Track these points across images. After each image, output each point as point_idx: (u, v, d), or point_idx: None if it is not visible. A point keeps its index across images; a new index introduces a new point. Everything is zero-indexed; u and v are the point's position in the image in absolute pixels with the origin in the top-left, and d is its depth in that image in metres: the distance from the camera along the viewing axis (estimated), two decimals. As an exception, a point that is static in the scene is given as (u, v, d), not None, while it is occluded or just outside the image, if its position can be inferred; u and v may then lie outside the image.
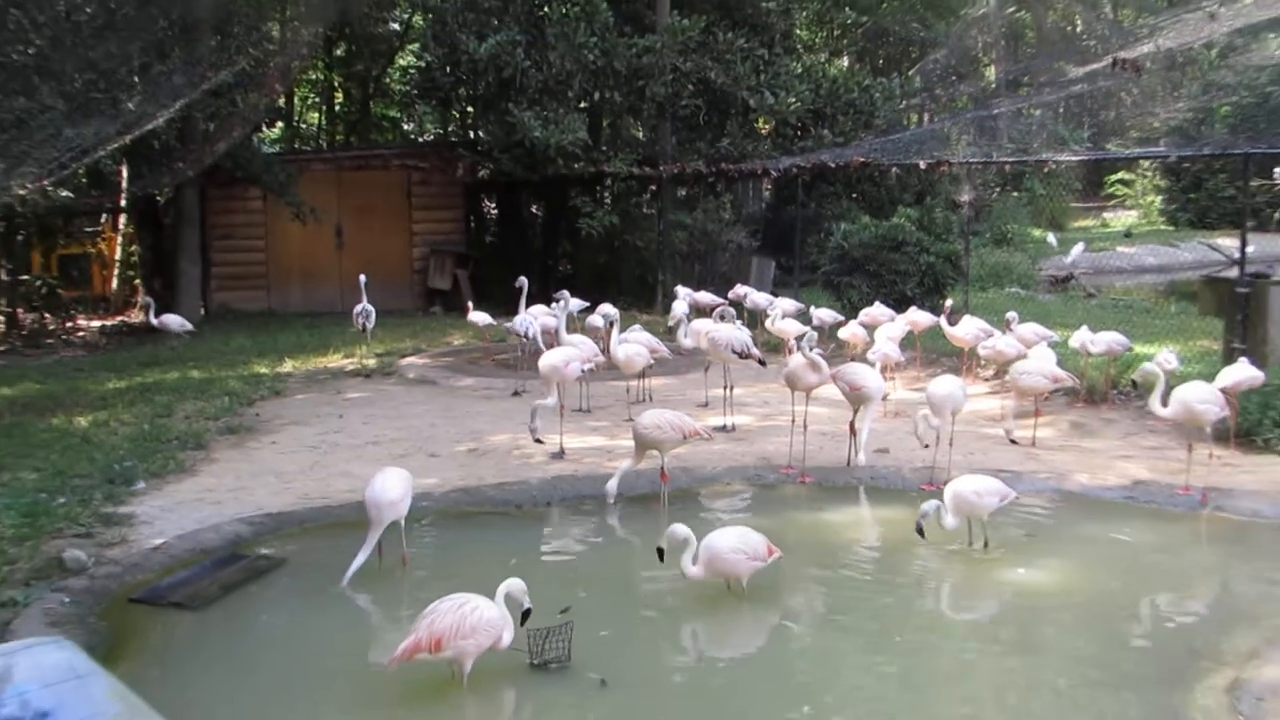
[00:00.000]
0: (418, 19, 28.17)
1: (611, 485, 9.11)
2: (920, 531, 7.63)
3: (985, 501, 7.74)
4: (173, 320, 18.42)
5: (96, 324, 23.24)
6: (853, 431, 10.29)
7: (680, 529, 7.10)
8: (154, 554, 7.93)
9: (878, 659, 6.55)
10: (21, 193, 15.77)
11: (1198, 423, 9.16)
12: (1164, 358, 12.21)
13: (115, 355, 18.84)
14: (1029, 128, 30.21)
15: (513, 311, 15.35)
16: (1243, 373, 10.35)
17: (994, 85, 38.61)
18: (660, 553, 7.17)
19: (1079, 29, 46.28)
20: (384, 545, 7.54)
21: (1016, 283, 23.04)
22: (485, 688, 5.96)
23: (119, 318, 23.86)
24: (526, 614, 6.17)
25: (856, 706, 5.91)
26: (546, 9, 23.30)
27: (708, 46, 22.08)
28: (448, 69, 23.08)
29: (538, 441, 10.45)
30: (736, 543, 7.07)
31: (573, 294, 15.83)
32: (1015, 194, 31.97)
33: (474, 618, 5.79)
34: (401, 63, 34.24)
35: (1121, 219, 37.60)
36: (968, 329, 13.75)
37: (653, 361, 13.05)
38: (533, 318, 14.36)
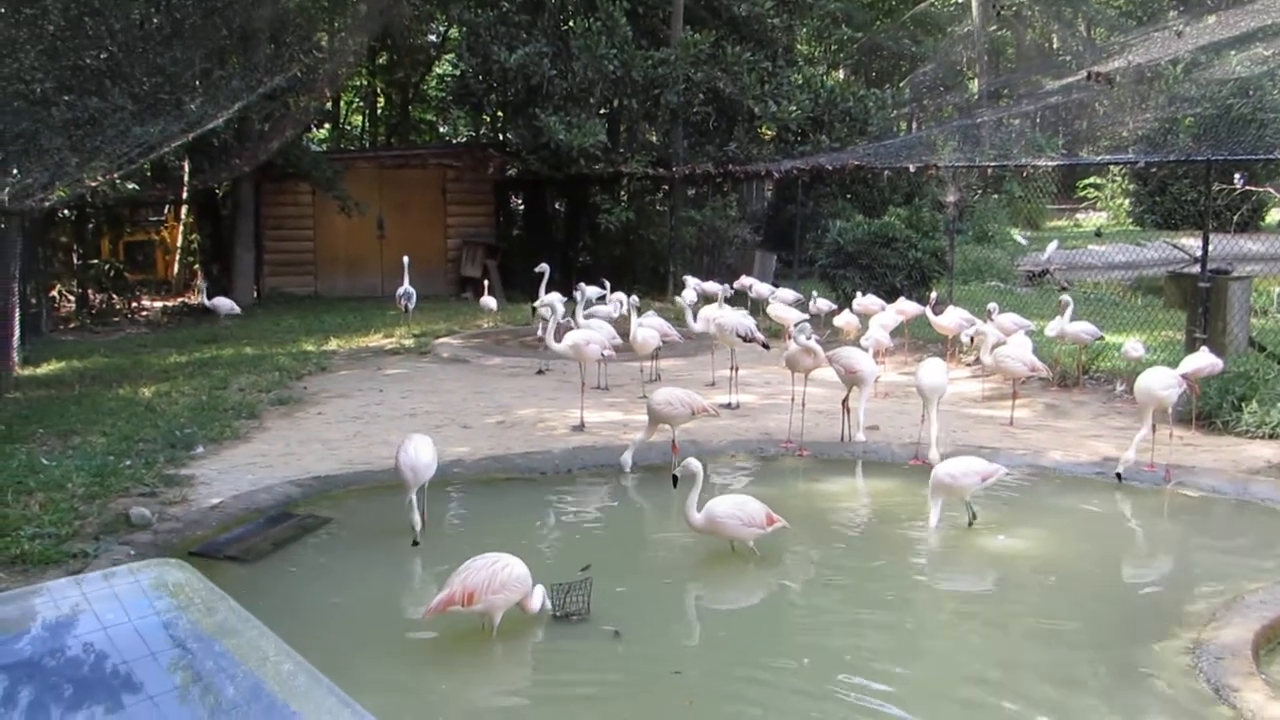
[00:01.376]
0: (454, 31, 28.10)
1: (626, 457, 9.13)
2: None
3: (963, 482, 7.64)
4: (223, 302, 18.47)
5: (159, 304, 23.29)
6: (846, 410, 10.27)
7: (694, 463, 7.16)
8: (211, 512, 7.93)
9: (869, 614, 6.54)
10: (93, 184, 15.79)
11: (1161, 405, 9.11)
12: (1131, 346, 12.21)
13: (176, 333, 18.89)
14: (1009, 135, 30.03)
15: (535, 297, 15.34)
16: (1203, 360, 10.28)
17: (977, 96, 38.39)
18: (674, 480, 7.25)
19: (1056, 45, 46.09)
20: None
21: (997, 277, 22.93)
22: (511, 638, 5.95)
23: (179, 299, 23.91)
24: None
25: (850, 655, 5.88)
26: (571, 24, 23.22)
27: (717, 59, 22.01)
28: (480, 77, 23.07)
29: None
30: (732, 509, 7.06)
31: (592, 283, 15.87)
32: (996, 196, 31.79)
33: (504, 574, 5.78)
34: (438, 70, 34.22)
35: (1093, 219, 37.36)
36: (952, 318, 13.72)
37: (663, 344, 13.03)
38: (554, 306, 14.32)
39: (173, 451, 9.75)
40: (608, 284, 16.44)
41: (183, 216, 25.60)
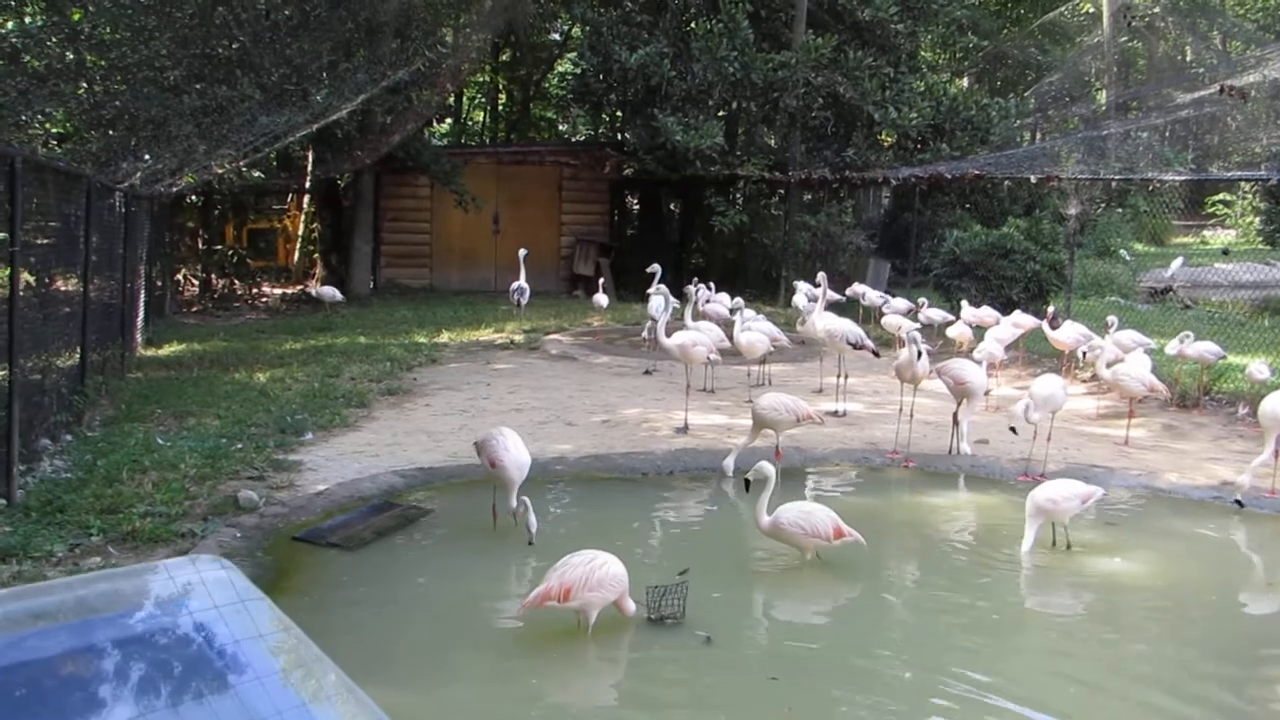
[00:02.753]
0: (576, 30, 28.25)
1: (729, 461, 9.06)
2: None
3: (1063, 506, 7.35)
4: (326, 291, 19.26)
5: (279, 291, 23.78)
6: (955, 422, 10.07)
7: (767, 466, 7.12)
8: (317, 498, 8.04)
9: (971, 632, 6.37)
10: (219, 171, 16.18)
11: (1286, 430, 8.76)
12: (1256, 367, 11.78)
13: (293, 320, 19.25)
14: (1136, 149, 29.30)
15: (647, 298, 15.32)
16: (1334, 386, 9.90)
17: (1104, 108, 37.53)
18: (747, 484, 7.28)
19: (1189, 58, 44.84)
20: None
21: (1117, 292, 22.37)
22: (606, 637, 5.92)
23: (299, 286, 24.39)
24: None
25: (952, 669, 5.70)
26: (693, 25, 23.23)
27: (838, 64, 21.83)
28: (601, 76, 23.16)
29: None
30: (797, 517, 6.99)
31: (703, 284, 15.81)
32: (1120, 210, 31.04)
33: (601, 572, 5.75)
34: (560, 68, 34.44)
35: (1220, 237, 36.32)
36: (1069, 333, 13.37)
37: (773, 349, 12.93)
38: (663, 308, 14.26)
39: (283, 437, 9.92)
40: (713, 286, 16.32)
41: (305, 206, 26.11)
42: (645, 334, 15.35)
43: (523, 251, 17.47)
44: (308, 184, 24.43)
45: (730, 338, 12.64)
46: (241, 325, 18.81)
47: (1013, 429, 9.39)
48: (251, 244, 25.90)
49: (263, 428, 10.20)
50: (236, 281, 23.45)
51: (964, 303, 15.62)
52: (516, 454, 7.50)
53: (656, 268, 15.41)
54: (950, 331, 14.73)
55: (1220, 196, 36.38)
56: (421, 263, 25.19)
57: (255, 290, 23.43)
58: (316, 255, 25.62)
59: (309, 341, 16.20)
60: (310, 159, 23.13)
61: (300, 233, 26.34)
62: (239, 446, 9.43)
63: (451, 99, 29.48)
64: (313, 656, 2.59)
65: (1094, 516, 8.10)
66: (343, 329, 17.49)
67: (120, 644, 2.49)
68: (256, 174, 22.12)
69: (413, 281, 24.70)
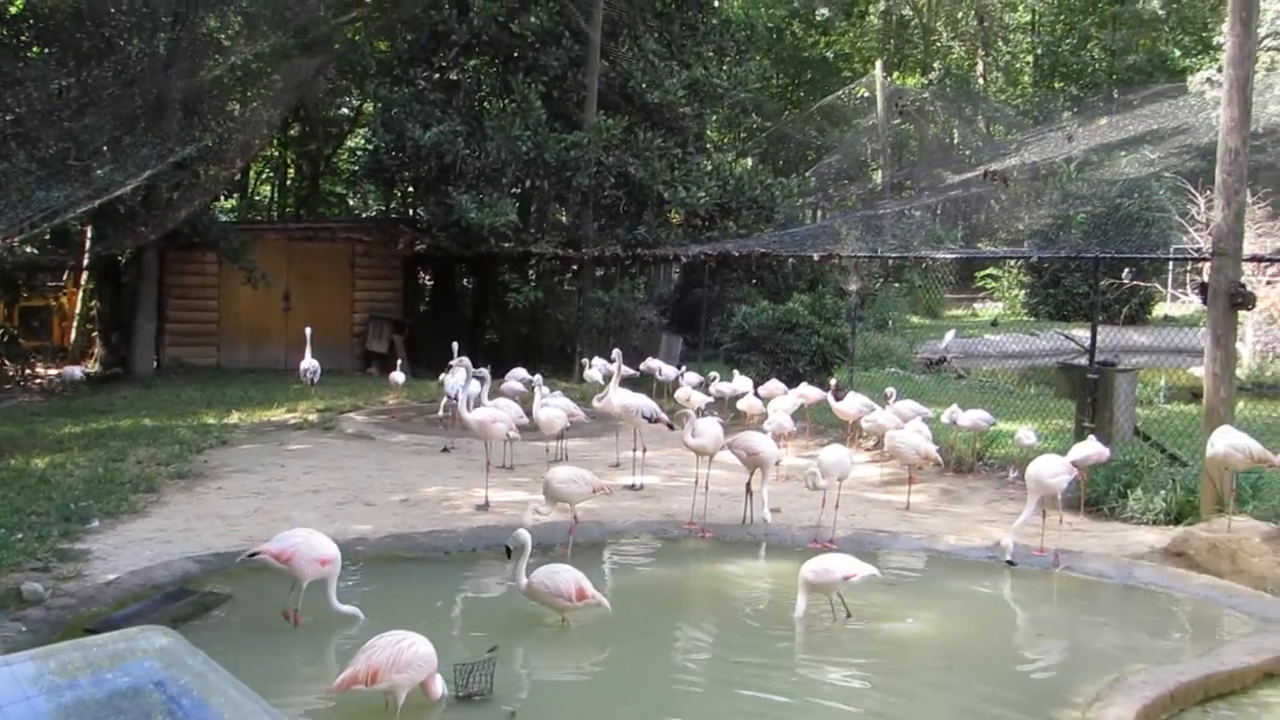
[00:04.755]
0: (368, 106, 28.22)
1: (527, 518, 8.88)
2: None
3: (827, 580, 7.59)
4: (69, 371, 19.75)
5: (54, 372, 22.80)
6: (749, 492, 10.43)
7: (524, 534, 7.41)
8: (108, 588, 7.80)
9: (766, 697, 6.63)
10: (-9, 248, 15.57)
11: (1051, 492, 9.41)
12: (1023, 433, 12.58)
13: (71, 402, 18.47)
14: (910, 226, 30.94)
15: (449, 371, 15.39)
16: (1091, 448, 10.64)
17: (880, 188, 39.48)
18: (508, 550, 7.48)
19: (956, 140, 47.55)
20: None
21: (896, 363, 23.41)
22: (415, 717, 5.95)
23: (79, 366, 23.42)
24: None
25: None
26: (486, 104, 23.55)
27: (629, 144, 22.40)
28: (394, 153, 23.15)
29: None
30: (544, 577, 7.25)
31: (498, 361, 15.96)
32: (896, 285, 32.58)
33: (410, 653, 5.78)
34: (350, 143, 34.27)
35: (989, 309, 38.38)
36: (852, 404, 14.03)
37: (570, 424, 13.13)
38: (462, 383, 14.31)
39: (67, 525, 9.57)
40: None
41: (83, 283, 25.19)
42: (441, 411, 15.38)
43: (308, 331, 17.28)
44: (86, 260, 23.57)
45: (529, 414, 12.81)
46: (14, 408, 17.96)
47: (814, 488, 9.77)
48: (24, 322, 24.75)
49: (44, 516, 9.81)
50: (8, 362, 22.38)
51: (737, 374, 16.30)
52: (324, 548, 7.29)
53: (460, 356, 15.48)
54: (741, 404, 15.23)
55: (988, 271, 38.56)
56: (209, 341, 24.56)
57: (28, 371, 22.42)
58: (95, 334, 24.71)
59: (89, 424, 15.60)
60: (90, 235, 22.38)
61: (78, 311, 25.37)
62: (19, 536, 9.04)
63: (239, 174, 28.96)
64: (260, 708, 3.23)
65: (880, 579, 8.50)
66: (126, 411, 16.91)
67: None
68: (29, 250, 21.26)
69: (200, 360, 24.03)
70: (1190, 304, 29.26)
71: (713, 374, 16.63)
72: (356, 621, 7.11)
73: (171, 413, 16.73)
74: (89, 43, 16.83)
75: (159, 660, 3.16)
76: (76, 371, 19.35)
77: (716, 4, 28.52)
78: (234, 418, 16.45)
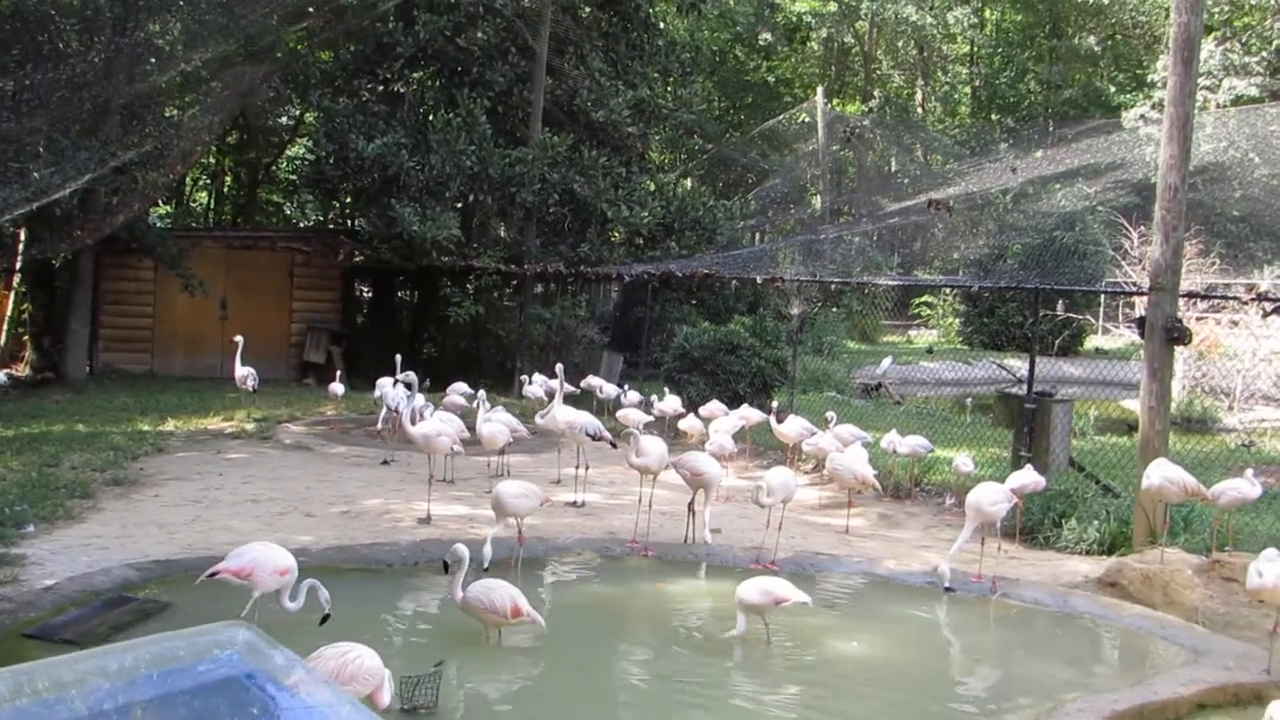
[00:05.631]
0: (310, 115, 28.04)
1: (486, 550, 8.87)
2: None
3: (759, 601, 7.64)
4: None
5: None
6: (691, 512, 10.50)
7: (461, 549, 7.47)
8: (46, 593, 7.71)
9: (710, 711, 6.70)
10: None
11: (989, 519, 9.57)
12: (961, 460, 12.77)
13: (1, 406, 18.18)
14: (849, 252, 31.25)
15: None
16: (1028, 477, 10.83)
17: (820, 213, 39.87)
18: (445, 565, 7.55)
19: (894, 168, 48.16)
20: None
21: (834, 388, 23.65)
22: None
23: (5, 370, 23.04)
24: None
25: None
26: (431, 117, 23.51)
27: (574, 161, 22.46)
28: (336, 163, 23.01)
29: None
30: (479, 592, 7.28)
31: (437, 375, 15.94)
32: (835, 309, 32.89)
33: (355, 665, 5.77)
34: (290, 153, 34.02)
35: (925, 336, 38.91)
36: (793, 426, 14.17)
37: (513, 440, 13.13)
38: (404, 397, 14.26)
39: (1, 530, 9.44)
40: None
41: (15, 285, 24.76)
42: (380, 424, 15.31)
43: (239, 339, 17.17)
44: (19, 263, 23.18)
45: (470, 428, 12.80)
46: (-58, 411, 17.65)
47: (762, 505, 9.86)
48: (-48, 325, 24.33)
49: (-22, 520, 9.69)
50: (-66, 365, 21.98)
51: (668, 393, 16.50)
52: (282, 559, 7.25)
53: (399, 358, 15.46)
54: (682, 424, 15.31)
55: (925, 299, 39.08)
56: (143, 347, 24.24)
57: (-43, 375, 21.98)
58: (27, 338, 24.29)
59: (21, 429, 15.38)
60: (23, 237, 22.02)
61: (9, 314, 24.92)
62: (-47, 541, 8.94)
63: (177, 180, 28.62)
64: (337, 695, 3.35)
65: (810, 606, 8.59)
66: (59, 416, 16.67)
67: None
68: (-42, 251, 20.91)
69: (133, 367, 23.70)
70: (1121, 337, 29.93)
71: (654, 396, 16.74)
72: (319, 597, 6.89)
73: (105, 419, 16.53)
74: (30, 45, 16.60)
75: (246, 653, 3.32)
76: (2, 376, 19.08)
77: (662, 26, 28.66)
78: (169, 425, 16.29)
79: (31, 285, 24.05)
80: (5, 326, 24.84)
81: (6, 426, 15.54)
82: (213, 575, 7.04)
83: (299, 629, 7.24)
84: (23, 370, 23.07)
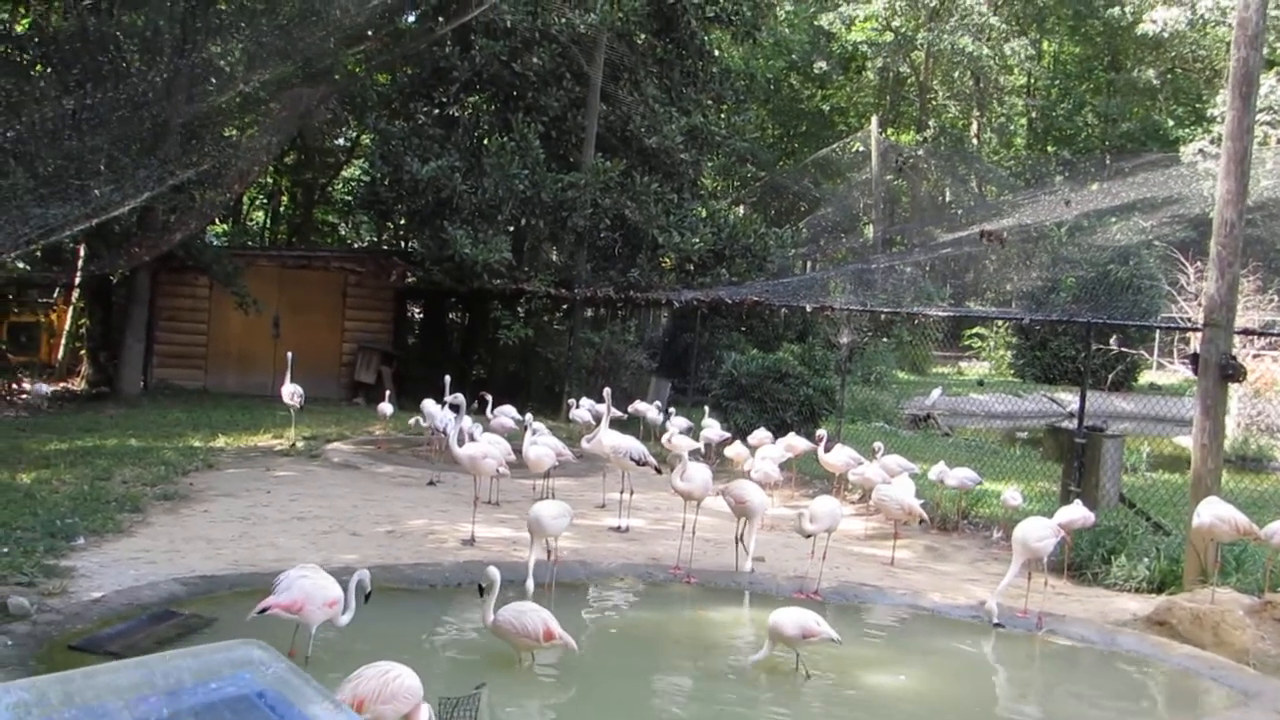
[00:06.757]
0: (366, 137, 28.35)
1: (529, 585, 8.77)
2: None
3: (788, 633, 7.55)
4: (38, 388, 20.09)
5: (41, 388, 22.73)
6: (739, 541, 10.47)
7: (494, 571, 7.42)
8: (93, 605, 7.81)
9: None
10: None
11: (1036, 555, 9.46)
12: (1010, 495, 12.65)
13: (57, 419, 18.47)
14: (901, 282, 31.10)
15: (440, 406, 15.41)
16: (1077, 513, 10.70)
17: (872, 242, 39.74)
18: (481, 589, 7.46)
19: (948, 198, 47.92)
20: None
21: (883, 418, 23.51)
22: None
23: (62, 384, 23.41)
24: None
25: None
26: (485, 141, 23.69)
27: (625, 187, 22.55)
28: (390, 185, 23.24)
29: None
30: (511, 616, 7.26)
31: (485, 397, 16.03)
32: (885, 339, 32.74)
33: (395, 684, 5.78)
34: (346, 174, 34.40)
35: (976, 368, 38.63)
36: (840, 456, 14.09)
37: (558, 463, 13.16)
38: (451, 418, 14.27)
39: (53, 541, 9.57)
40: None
41: (73, 300, 25.18)
42: (429, 436, 15.37)
43: (290, 355, 17.30)
44: (78, 279, 23.57)
45: (517, 451, 12.84)
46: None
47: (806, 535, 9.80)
48: (12, 338, 24.70)
49: (30, 531, 9.80)
50: (-7, 377, 22.33)
51: (709, 419, 16.47)
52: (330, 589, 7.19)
53: (448, 380, 15.53)
54: (728, 451, 15.27)
55: (976, 330, 38.79)
56: (196, 364, 24.55)
57: (15, 386, 22.35)
58: (83, 352, 24.68)
59: (75, 442, 15.59)
60: (83, 253, 22.40)
61: (67, 328, 25.34)
62: (5, 551, 9.05)
63: (234, 200, 29.05)
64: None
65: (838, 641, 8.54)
66: (112, 430, 16.88)
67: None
68: (22, 265, 21.27)
69: (187, 383, 24.01)
70: (1176, 373, 29.56)
71: (703, 421, 16.74)
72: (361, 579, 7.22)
73: (157, 434, 16.72)
74: (92, 65, 16.90)
75: (257, 672, 3.36)
76: (44, 388, 19.31)
77: (716, 53, 28.75)
78: (220, 441, 16.45)
79: (89, 301, 24.46)
80: (63, 341, 25.26)
81: (61, 440, 15.76)
82: (263, 612, 7.02)
83: (339, 654, 7.31)
84: (79, 384, 23.44)
